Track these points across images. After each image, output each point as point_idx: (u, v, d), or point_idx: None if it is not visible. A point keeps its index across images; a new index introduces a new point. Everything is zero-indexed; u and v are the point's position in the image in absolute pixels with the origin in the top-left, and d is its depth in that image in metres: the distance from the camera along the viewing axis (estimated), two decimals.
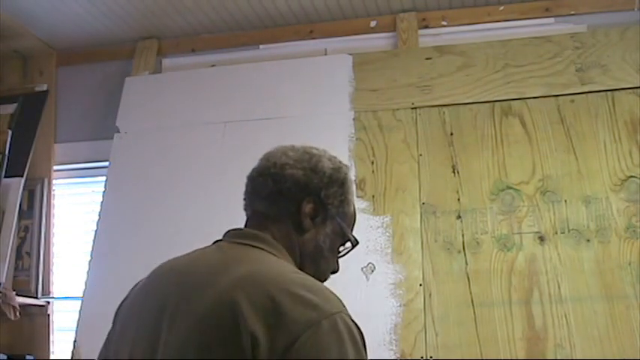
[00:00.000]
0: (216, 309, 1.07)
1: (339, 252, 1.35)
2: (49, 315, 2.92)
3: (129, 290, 1.32)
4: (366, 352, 1.10)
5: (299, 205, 1.27)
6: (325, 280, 1.32)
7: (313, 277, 1.20)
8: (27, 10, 2.92)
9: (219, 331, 1.05)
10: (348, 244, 1.35)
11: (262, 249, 1.23)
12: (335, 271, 1.36)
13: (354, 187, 1.38)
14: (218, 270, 1.15)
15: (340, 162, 1.35)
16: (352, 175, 1.38)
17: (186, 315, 1.09)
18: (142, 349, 1.13)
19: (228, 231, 1.33)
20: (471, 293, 2.35)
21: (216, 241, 1.30)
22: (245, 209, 1.37)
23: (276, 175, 1.28)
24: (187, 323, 1.08)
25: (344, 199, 1.32)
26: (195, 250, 1.27)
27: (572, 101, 2.56)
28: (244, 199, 1.37)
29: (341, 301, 1.12)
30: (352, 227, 1.37)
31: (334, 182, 1.30)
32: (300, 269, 1.23)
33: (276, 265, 1.19)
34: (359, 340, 1.09)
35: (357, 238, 1.35)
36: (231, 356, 1.02)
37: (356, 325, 1.10)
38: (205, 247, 1.28)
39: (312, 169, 1.29)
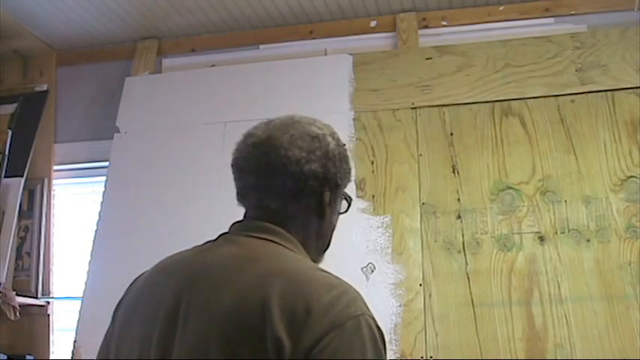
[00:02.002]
0: (242, 307, 1.04)
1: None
2: (49, 315, 2.92)
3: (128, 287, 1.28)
4: (386, 354, 1.08)
5: (321, 197, 1.22)
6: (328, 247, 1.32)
7: (323, 252, 1.24)
8: (27, 10, 2.92)
9: (244, 330, 1.02)
10: (345, 204, 1.32)
11: (280, 244, 1.18)
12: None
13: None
14: (238, 265, 1.11)
15: (336, 133, 1.30)
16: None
17: (206, 312, 1.06)
18: (152, 347, 1.09)
19: (238, 222, 1.24)
20: (471, 293, 2.35)
21: (223, 233, 1.23)
22: (242, 200, 1.27)
23: (295, 174, 1.19)
24: (207, 320, 1.05)
25: (349, 171, 1.29)
26: (203, 244, 1.21)
27: (572, 101, 2.56)
28: (241, 191, 1.26)
29: (364, 300, 1.10)
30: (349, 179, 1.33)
31: (343, 161, 1.26)
32: (312, 252, 1.24)
33: (299, 263, 1.16)
34: (380, 342, 1.07)
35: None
36: (256, 356, 1.00)
37: (378, 327, 1.08)
38: (213, 241, 1.21)
39: (326, 157, 1.22)
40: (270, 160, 1.20)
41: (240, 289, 1.06)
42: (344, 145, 1.29)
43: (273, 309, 1.02)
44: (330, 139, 1.25)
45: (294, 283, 1.07)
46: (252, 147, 1.23)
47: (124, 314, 1.21)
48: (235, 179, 1.27)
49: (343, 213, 1.32)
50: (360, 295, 1.11)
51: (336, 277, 1.13)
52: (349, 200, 1.32)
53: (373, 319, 1.08)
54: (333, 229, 1.31)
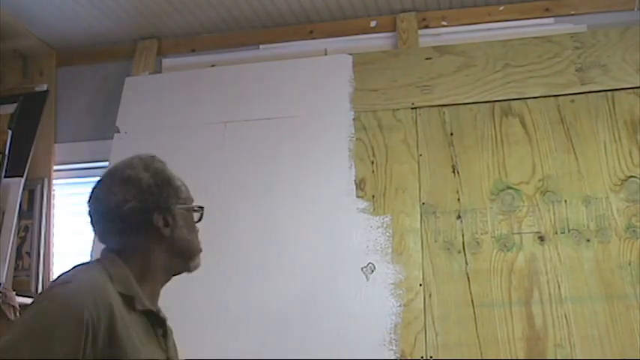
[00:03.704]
0: None
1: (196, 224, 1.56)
2: None
3: None
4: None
5: (151, 224, 1.46)
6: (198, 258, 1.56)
7: (193, 258, 1.54)
8: (27, 10, 2.92)
9: None
10: (197, 214, 1.56)
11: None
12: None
13: (169, 170, 1.55)
14: None
15: (152, 163, 1.52)
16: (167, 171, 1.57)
17: None
18: None
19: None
20: (471, 293, 2.35)
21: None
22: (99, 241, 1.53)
23: (118, 216, 1.44)
24: None
25: (177, 189, 1.52)
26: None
27: (572, 101, 2.56)
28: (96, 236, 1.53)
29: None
30: (189, 196, 1.56)
31: (163, 186, 1.49)
32: (169, 269, 1.52)
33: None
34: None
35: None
36: None
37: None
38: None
39: (141, 191, 1.45)
40: (96, 211, 1.48)
41: None
42: (161, 169, 1.51)
43: None
44: (143, 174, 1.47)
45: None
46: (87, 203, 1.50)
47: None
48: None
49: (198, 221, 1.56)
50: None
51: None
52: (198, 209, 1.56)
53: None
54: (194, 238, 1.55)
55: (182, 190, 1.53)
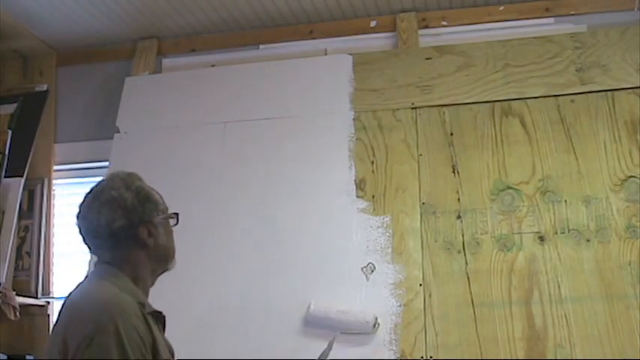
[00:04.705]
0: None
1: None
2: (49, 315, 2.92)
3: None
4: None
5: (137, 237, 1.62)
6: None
7: (170, 260, 1.69)
8: (27, 10, 2.92)
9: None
10: (172, 220, 1.72)
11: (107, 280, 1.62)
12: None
13: (147, 186, 1.69)
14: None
15: (134, 181, 1.66)
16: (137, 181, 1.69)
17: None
18: None
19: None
20: (471, 293, 2.35)
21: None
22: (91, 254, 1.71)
23: (108, 234, 1.61)
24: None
25: (155, 203, 1.67)
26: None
27: (572, 101, 2.56)
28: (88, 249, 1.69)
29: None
30: (161, 205, 1.69)
31: (144, 202, 1.64)
32: (153, 271, 1.67)
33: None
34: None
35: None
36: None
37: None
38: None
39: (126, 210, 1.61)
40: (87, 229, 1.64)
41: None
42: (141, 187, 1.66)
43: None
44: (126, 194, 1.62)
45: None
46: (77, 220, 1.65)
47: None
48: None
49: (175, 225, 1.74)
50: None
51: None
52: (173, 215, 1.73)
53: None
54: (171, 241, 1.71)
55: (160, 202, 1.70)
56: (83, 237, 1.66)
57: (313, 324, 2.36)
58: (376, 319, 2.32)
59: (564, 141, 2.50)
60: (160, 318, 1.60)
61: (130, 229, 1.61)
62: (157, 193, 1.72)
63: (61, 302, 1.62)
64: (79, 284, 1.63)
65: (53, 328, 1.57)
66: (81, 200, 1.67)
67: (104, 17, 3.00)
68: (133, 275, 1.62)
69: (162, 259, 1.69)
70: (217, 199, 2.64)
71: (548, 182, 2.45)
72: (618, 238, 2.33)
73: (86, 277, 1.68)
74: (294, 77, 2.84)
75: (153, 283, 1.69)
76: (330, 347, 2.16)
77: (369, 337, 2.30)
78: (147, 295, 1.66)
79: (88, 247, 1.67)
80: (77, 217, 1.66)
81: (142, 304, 1.55)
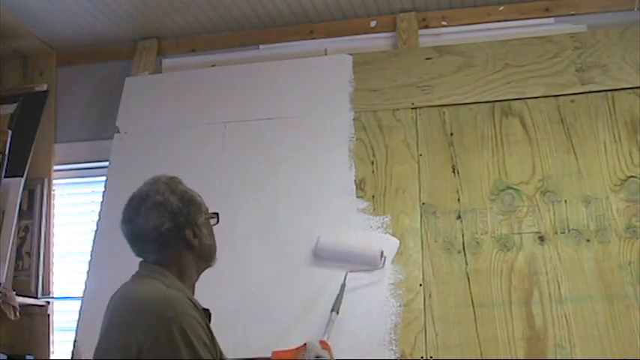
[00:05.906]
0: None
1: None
2: (49, 315, 2.92)
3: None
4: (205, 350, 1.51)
5: (184, 238, 1.71)
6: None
7: (212, 257, 1.79)
8: (27, 10, 2.93)
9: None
10: (213, 220, 1.82)
11: (155, 278, 1.68)
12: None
13: (189, 189, 1.77)
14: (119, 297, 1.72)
15: (177, 185, 1.75)
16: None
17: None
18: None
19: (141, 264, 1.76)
20: (471, 293, 2.35)
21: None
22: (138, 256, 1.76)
23: (157, 237, 1.67)
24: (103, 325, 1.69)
25: (198, 205, 1.75)
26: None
27: (572, 101, 2.56)
28: (134, 252, 1.74)
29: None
30: (203, 206, 1.78)
31: (189, 204, 1.72)
32: (196, 270, 1.77)
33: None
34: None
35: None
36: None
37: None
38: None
39: (173, 213, 1.68)
40: (134, 233, 1.70)
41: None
42: (184, 191, 1.75)
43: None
44: (172, 198, 1.70)
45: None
46: (122, 224, 1.72)
47: (102, 323, 1.66)
48: None
49: (215, 224, 1.83)
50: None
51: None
52: (214, 215, 1.82)
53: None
54: (213, 240, 1.80)
55: (202, 204, 1.78)
56: (130, 241, 1.71)
57: (322, 257, 2.43)
58: (382, 252, 2.38)
59: (564, 141, 2.50)
60: (207, 315, 1.66)
61: (177, 231, 1.68)
62: (198, 194, 1.79)
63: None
64: (125, 283, 1.69)
65: (103, 327, 1.63)
66: (126, 205, 1.73)
67: (104, 17, 3.00)
68: (180, 274, 1.68)
69: (207, 257, 1.77)
70: (217, 199, 2.63)
71: (548, 182, 2.45)
72: (618, 238, 2.33)
73: (133, 276, 1.72)
74: (294, 77, 2.84)
75: (196, 281, 1.76)
76: (342, 289, 2.26)
77: (370, 337, 2.29)
78: (193, 292, 1.71)
79: (134, 250, 1.72)
80: (122, 221, 1.71)
81: (192, 302, 1.60)
